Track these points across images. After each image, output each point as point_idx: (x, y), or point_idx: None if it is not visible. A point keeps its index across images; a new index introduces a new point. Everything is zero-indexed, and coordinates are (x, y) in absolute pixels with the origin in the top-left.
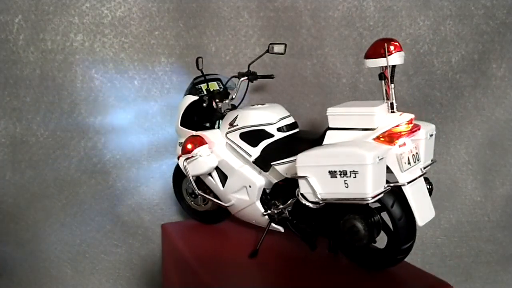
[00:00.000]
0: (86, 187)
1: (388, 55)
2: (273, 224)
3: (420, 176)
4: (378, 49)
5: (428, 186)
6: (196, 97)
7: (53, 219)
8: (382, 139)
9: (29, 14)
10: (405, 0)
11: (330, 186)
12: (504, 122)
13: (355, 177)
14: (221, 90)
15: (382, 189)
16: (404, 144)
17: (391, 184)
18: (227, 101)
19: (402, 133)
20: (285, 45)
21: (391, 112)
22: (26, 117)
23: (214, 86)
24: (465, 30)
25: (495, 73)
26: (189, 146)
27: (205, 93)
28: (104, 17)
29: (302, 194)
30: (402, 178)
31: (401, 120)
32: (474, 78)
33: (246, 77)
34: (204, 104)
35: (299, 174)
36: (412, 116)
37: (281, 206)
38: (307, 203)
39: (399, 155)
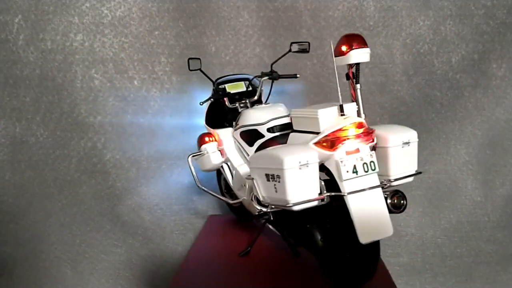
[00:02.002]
0: (86, 187)
1: (348, 52)
2: (268, 225)
3: (373, 188)
4: (340, 47)
5: (397, 201)
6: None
7: (53, 219)
8: (324, 144)
9: (29, 14)
10: (405, 0)
11: (267, 189)
12: (505, 122)
13: (279, 182)
14: (248, 90)
15: (310, 197)
16: (358, 150)
17: (329, 194)
18: (247, 100)
19: (344, 138)
20: (308, 43)
21: (341, 115)
22: (26, 117)
23: (239, 86)
24: (465, 30)
25: (495, 73)
26: (200, 143)
27: (221, 93)
28: (104, 17)
29: (255, 196)
30: (343, 187)
31: (344, 123)
32: (474, 78)
33: (267, 77)
34: (227, 103)
35: (251, 175)
36: (358, 120)
37: (264, 209)
38: (257, 206)
39: (339, 162)
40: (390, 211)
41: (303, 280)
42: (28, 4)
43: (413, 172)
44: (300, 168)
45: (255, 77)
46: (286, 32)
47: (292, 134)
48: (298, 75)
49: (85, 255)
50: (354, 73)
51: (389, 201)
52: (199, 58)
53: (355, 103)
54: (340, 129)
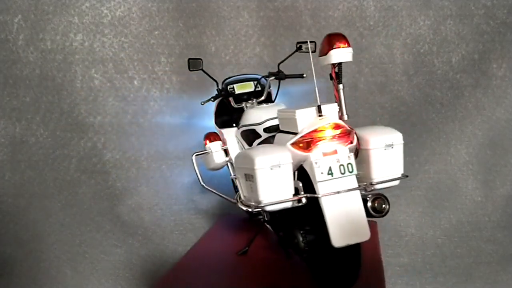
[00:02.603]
0: (86, 187)
1: (329, 51)
2: (266, 225)
3: (349, 190)
4: (323, 46)
5: (378, 205)
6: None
7: (52, 219)
8: (300, 145)
9: (28, 14)
10: (405, 0)
11: (247, 189)
12: (505, 122)
13: (253, 181)
14: (256, 90)
15: (284, 198)
16: (335, 152)
17: (303, 196)
18: (254, 100)
19: (320, 139)
20: (315, 43)
21: (319, 116)
22: (25, 117)
23: (247, 86)
24: (466, 30)
25: (496, 73)
26: (205, 142)
27: (224, 93)
28: (104, 16)
29: (239, 195)
30: (317, 189)
31: (320, 124)
32: (474, 78)
33: (274, 77)
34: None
35: (236, 174)
36: (335, 120)
37: (244, 209)
38: (240, 206)
39: (313, 163)
40: (371, 215)
41: (299, 281)
42: (28, 4)
43: (398, 176)
44: (271, 169)
45: (263, 77)
46: (286, 32)
47: (278, 135)
48: (304, 75)
49: (85, 255)
50: (336, 73)
51: (369, 204)
52: (200, 59)
53: (336, 103)
54: (315, 130)
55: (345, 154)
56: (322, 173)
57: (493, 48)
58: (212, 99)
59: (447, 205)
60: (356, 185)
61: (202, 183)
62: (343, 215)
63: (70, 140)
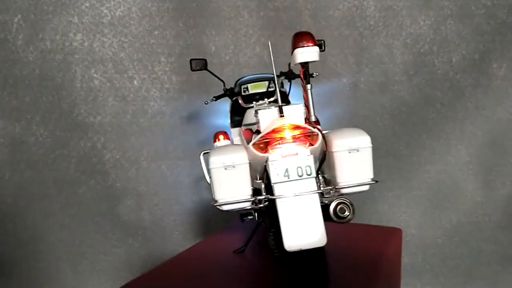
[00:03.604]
0: (86, 187)
1: (293, 50)
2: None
3: (309, 193)
4: (292, 45)
5: (340, 211)
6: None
7: (52, 220)
8: (261, 145)
9: (28, 14)
10: None
11: (212, 188)
12: (506, 122)
13: (211, 180)
14: (269, 90)
15: (240, 198)
16: (296, 153)
17: (257, 197)
18: (266, 99)
19: (276, 140)
20: (323, 41)
21: (281, 116)
22: (25, 117)
23: (260, 86)
24: (466, 29)
25: (496, 73)
26: (214, 141)
27: (229, 92)
28: (104, 16)
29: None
30: (274, 190)
31: (277, 124)
32: (475, 78)
33: (283, 76)
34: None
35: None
36: (294, 121)
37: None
38: (213, 203)
39: (269, 164)
40: (333, 220)
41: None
42: (27, 4)
43: (367, 181)
44: (225, 169)
45: (276, 76)
46: (286, 31)
47: (254, 135)
48: (314, 74)
49: (85, 256)
50: (304, 73)
51: (331, 209)
52: (204, 59)
53: (301, 104)
54: (274, 131)
55: (304, 156)
56: (278, 174)
57: (493, 48)
58: (214, 99)
59: (448, 205)
60: (315, 188)
61: (209, 181)
62: (298, 219)
63: (70, 140)
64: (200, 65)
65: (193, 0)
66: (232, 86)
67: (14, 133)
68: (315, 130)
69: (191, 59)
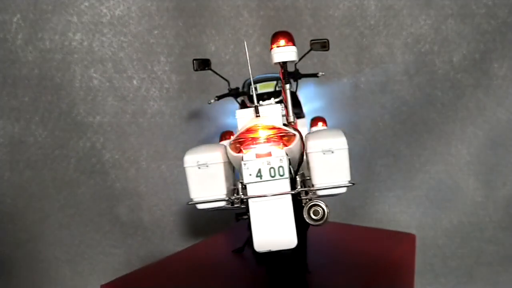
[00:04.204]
0: (85, 187)
1: (270, 50)
2: None
3: (281, 194)
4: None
5: (313, 213)
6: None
7: (51, 220)
8: (237, 145)
9: (27, 13)
10: None
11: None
12: (506, 122)
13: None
14: (277, 90)
15: (212, 198)
16: (269, 154)
17: (229, 197)
18: (272, 99)
19: (248, 140)
20: (327, 40)
21: (257, 116)
22: (24, 117)
23: (269, 86)
24: (467, 29)
25: (497, 73)
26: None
27: (233, 92)
28: (103, 16)
29: None
30: (247, 190)
31: (250, 124)
32: (475, 78)
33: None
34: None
35: None
36: (267, 122)
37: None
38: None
39: (242, 164)
40: (306, 222)
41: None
42: (26, 3)
43: (343, 184)
44: (199, 168)
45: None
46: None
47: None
48: (318, 74)
49: (84, 256)
50: (283, 73)
51: (304, 211)
52: (207, 59)
53: (278, 104)
54: (248, 130)
55: (278, 157)
56: (250, 174)
57: (494, 48)
58: (216, 98)
59: (448, 206)
60: (287, 189)
61: None
62: (268, 220)
63: (69, 140)
64: (205, 65)
65: None
66: (235, 86)
67: (13, 133)
68: (291, 130)
69: (194, 59)
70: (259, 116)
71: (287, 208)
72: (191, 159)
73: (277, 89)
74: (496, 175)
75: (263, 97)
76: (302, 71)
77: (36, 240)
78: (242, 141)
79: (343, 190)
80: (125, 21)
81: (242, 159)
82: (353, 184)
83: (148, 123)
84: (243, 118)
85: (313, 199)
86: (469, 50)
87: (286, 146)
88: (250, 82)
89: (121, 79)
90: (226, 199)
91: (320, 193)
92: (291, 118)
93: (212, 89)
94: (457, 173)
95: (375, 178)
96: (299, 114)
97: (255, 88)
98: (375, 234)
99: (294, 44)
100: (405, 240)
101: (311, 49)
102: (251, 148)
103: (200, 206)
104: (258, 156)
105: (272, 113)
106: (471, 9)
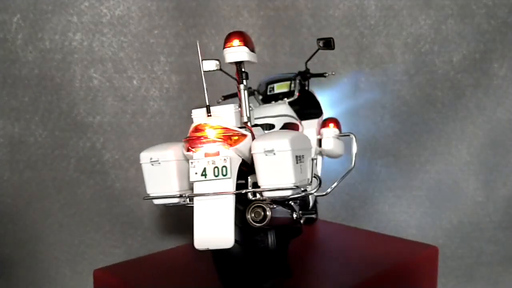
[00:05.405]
0: (85, 187)
1: (223, 50)
2: None
3: (224, 194)
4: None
5: (255, 214)
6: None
7: (51, 220)
8: (187, 143)
9: (27, 13)
10: None
11: None
12: (506, 122)
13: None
14: (291, 90)
15: (164, 194)
16: (217, 153)
17: (187, 194)
18: (285, 99)
19: (195, 139)
20: (332, 38)
21: (208, 116)
22: (24, 117)
23: (284, 86)
24: (467, 29)
25: (497, 73)
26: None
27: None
28: (103, 16)
29: None
30: (193, 188)
31: (196, 123)
32: (475, 78)
33: (299, 76)
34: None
35: None
36: (213, 122)
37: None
38: None
39: (190, 163)
40: (249, 223)
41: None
42: (26, 3)
43: (287, 186)
44: (152, 164)
45: (295, 76)
46: (287, 31)
47: None
48: (326, 74)
49: (84, 256)
50: (238, 73)
51: (247, 211)
52: (217, 59)
53: (232, 105)
54: (195, 129)
55: (222, 157)
56: (196, 173)
57: (494, 48)
58: (222, 98)
59: (448, 206)
60: (230, 189)
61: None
62: (209, 218)
63: (69, 140)
64: (214, 65)
65: None
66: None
67: (13, 133)
68: (240, 131)
69: (203, 59)
70: (210, 115)
71: (227, 208)
72: (145, 156)
73: (292, 89)
74: (496, 175)
75: (278, 96)
76: (301, 70)
77: (36, 240)
78: (190, 140)
79: (288, 193)
80: (125, 21)
81: (192, 158)
82: (297, 187)
83: (148, 123)
84: (197, 117)
85: (256, 201)
86: (469, 50)
87: (231, 146)
88: (267, 82)
89: (121, 79)
90: (178, 195)
91: (265, 194)
92: (245, 119)
93: (212, 89)
94: (457, 173)
95: (375, 178)
96: (315, 114)
97: (273, 88)
98: (397, 243)
99: (247, 45)
100: (428, 253)
101: (318, 49)
102: (199, 147)
103: (155, 202)
104: (206, 155)
105: (224, 113)
106: (471, 9)
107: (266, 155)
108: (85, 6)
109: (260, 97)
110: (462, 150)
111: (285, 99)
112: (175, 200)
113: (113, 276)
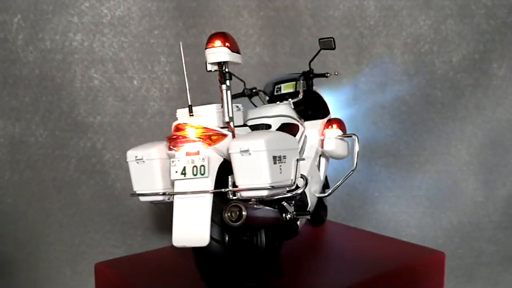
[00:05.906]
0: (85, 187)
1: (205, 50)
2: None
3: (201, 192)
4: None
5: (232, 214)
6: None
7: (52, 220)
8: (169, 143)
9: (28, 14)
10: None
11: None
12: (505, 122)
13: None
14: (297, 90)
15: (148, 191)
16: (198, 152)
17: (171, 193)
18: (290, 99)
19: (178, 138)
20: (333, 38)
21: (190, 115)
22: (25, 117)
23: (290, 86)
24: (466, 29)
25: (496, 73)
26: None
27: (250, 92)
28: (104, 16)
29: None
30: (174, 187)
31: (176, 122)
32: (475, 78)
33: (302, 76)
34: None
35: None
36: (193, 121)
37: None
38: None
39: (171, 161)
40: (226, 222)
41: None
42: (27, 4)
43: (263, 186)
44: (137, 162)
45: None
46: (287, 31)
47: None
48: (329, 74)
49: (84, 256)
50: (221, 74)
51: (224, 210)
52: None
53: (214, 104)
54: (176, 128)
55: (201, 156)
56: (176, 172)
57: (493, 48)
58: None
59: (448, 206)
60: (208, 188)
61: None
62: (187, 217)
63: (70, 140)
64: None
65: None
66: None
67: (14, 133)
68: (220, 130)
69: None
70: (192, 115)
71: (204, 207)
72: (130, 154)
73: (297, 89)
74: (496, 175)
75: (284, 97)
76: (302, 70)
77: (37, 240)
78: (172, 139)
79: (264, 193)
80: (126, 21)
81: (174, 156)
82: (273, 187)
83: (149, 123)
84: (181, 117)
85: (233, 200)
86: (469, 50)
87: (210, 145)
88: (274, 82)
89: (122, 79)
90: (161, 193)
91: (242, 194)
92: (227, 118)
93: (212, 89)
94: (457, 173)
95: (375, 178)
96: (321, 114)
97: (280, 88)
98: (403, 247)
99: (229, 46)
100: (434, 259)
101: (320, 49)
102: (181, 146)
103: (141, 199)
104: (188, 154)
105: (206, 113)
106: (470, 9)
107: (242, 155)
108: (86, 6)
109: (267, 97)
110: (462, 150)
111: (290, 99)
112: (160, 198)
113: (114, 270)
